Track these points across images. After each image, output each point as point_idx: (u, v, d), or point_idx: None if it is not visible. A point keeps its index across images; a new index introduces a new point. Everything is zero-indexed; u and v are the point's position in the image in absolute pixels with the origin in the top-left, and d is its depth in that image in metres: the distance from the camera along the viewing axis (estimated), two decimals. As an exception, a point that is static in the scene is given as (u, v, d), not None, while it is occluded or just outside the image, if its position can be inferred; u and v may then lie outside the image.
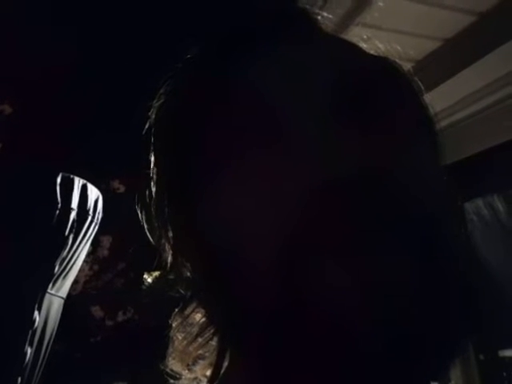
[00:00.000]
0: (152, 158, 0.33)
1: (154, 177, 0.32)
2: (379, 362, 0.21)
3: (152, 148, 0.33)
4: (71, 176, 1.70)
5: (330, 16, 0.34)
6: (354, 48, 0.31)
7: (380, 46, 0.33)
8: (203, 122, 0.27)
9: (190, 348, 0.31)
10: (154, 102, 0.33)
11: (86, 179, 1.78)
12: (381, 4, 1.25)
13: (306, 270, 0.22)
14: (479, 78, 1.41)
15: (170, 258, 0.32)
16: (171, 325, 0.32)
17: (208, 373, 0.31)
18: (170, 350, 0.32)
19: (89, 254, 2.14)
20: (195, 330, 0.31)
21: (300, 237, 0.22)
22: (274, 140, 0.25)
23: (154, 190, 0.32)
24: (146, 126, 0.33)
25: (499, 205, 1.87)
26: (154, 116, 0.33)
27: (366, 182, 0.23)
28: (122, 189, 2.42)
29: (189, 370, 0.32)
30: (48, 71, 1.85)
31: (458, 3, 1.26)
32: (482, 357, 1.80)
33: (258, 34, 0.29)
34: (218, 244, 0.25)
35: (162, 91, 0.33)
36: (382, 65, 0.30)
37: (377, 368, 0.21)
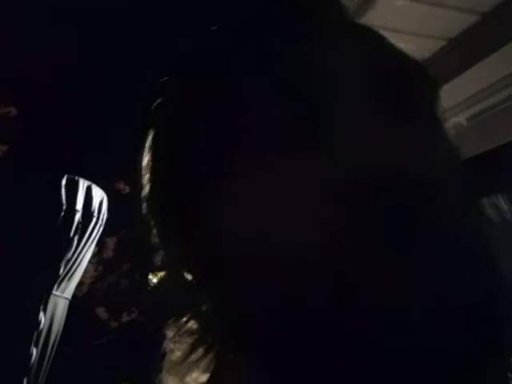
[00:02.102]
0: (150, 160, 0.31)
1: (153, 180, 0.31)
2: (399, 370, 0.21)
3: (153, 149, 0.31)
4: (76, 178, 1.71)
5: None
6: (387, 42, 0.29)
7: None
8: (211, 119, 0.26)
9: (187, 361, 0.30)
10: (153, 99, 0.31)
11: (91, 181, 1.79)
12: (384, 4, 1.25)
13: (325, 276, 0.21)
14: (483, 77, 1.41)
15: (166, 264, 0.31)
16: (165, 336, 0.31)
17: (201, 379, 0.30)
18: (165, 363, 0.31)
19: (94, 255, 2.15)
20: (190, 341, 0.30)
21: (320, 242, 0.22)
22: (302, 139, 0.23)
23: (151, 194, 0.31)
24: (145, 125, 0.32)
25: (504, 204, 1.86)
26: (153, 115, 0.31)
27: (395, 187, 0.22)
28: (127, 190, 2.42)
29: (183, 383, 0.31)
30: (53, 74, 1.86)
31: (461, 3, 1.26)
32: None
33: (285, 25, 0.27)
34: (226, 249, 0.24)
35: (161, 88, 0.31)
36: (412, 60, 0.28)
37: (396, 376, 0.21)
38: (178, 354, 0.30)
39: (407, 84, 0.26)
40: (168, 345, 0.31)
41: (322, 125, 0.23)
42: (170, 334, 0.31)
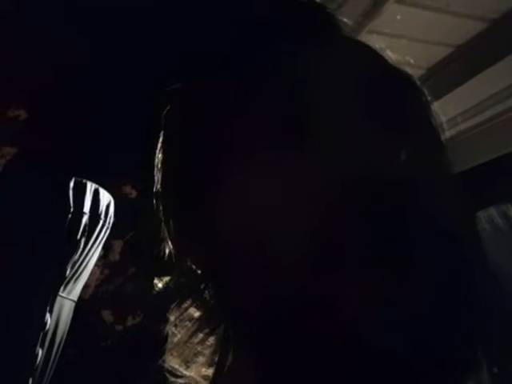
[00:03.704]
0: (162, 155, 0.32)
1: (164, 175, 0.32)
2: (387, 370, 0.21)
3: (165, 144, 0.32)
4: (84, 181, 1.72)
5: (347, 21, 0.33)
6: (378, 56, 0.31)
7: (391, 55, 0.32)
8: (222, 119, 0.27)
9: (189, 344, 0.31)
10: (169, 102, 0.32)
11: (98, 184, 1.80)
12: (391, 12, 1.25)
13: (324, 272, 0.22)
14: (491, 84, 1.40)
15: (173, 255, 0.32)
16: (168, 319, 0.32)
17: (204, 372, 0.31)
18: (169, 345, 0.32)
19: (100, 258, 2.15)
20: (193, 324, 0.31)
21: (321, 237, 0.22)
22: (295, 142, 0.25)
23: (164, 188, 0.32)
24: (160, 122, 0.33)
25: (513, 213, 1.84)
26: (169, 111, 0.32)
27: (388, 189, 0.23)
28: (133, 194, 2.43)
29: (187, 366, 0.32)
30: (63, 78, 1.87)
31: (470, 10, 1.26)
32: (495, 370, 1.76)
33: (284, 35, 0.28)
34: (230, 242, 0.25)
35: (171, 92, 0.32)
36: (404, 74, 0.30)
37: (386, 377, 0.21)
38: (179, 336, 0.32)
39: (395, 94, 0.28)
40: (170, 328, 0.32)
41: (315, 130, 0.25)
42: (172, 318, 0.32)
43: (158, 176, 0.32)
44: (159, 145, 0.33)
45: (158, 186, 0.32)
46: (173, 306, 0.31)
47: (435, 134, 0.29)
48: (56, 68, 1.87)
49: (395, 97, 0.27)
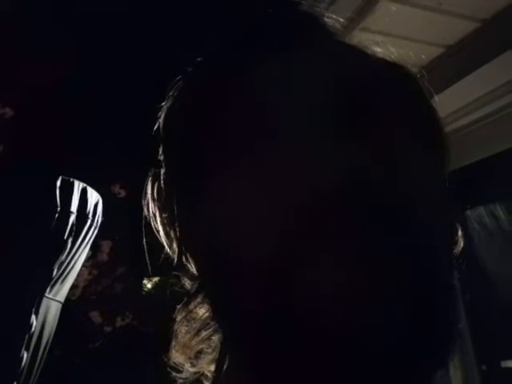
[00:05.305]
0: (161, 156, 0.33)
1: (164, 175, 0.33)
2: (374, 363, 0.21)
3: (162, 146, 0.33)
4: (71, 179, 1.70)
5: (336, 20, 0.34)
6: (361, 54, 0.31)
7: (392, 50, 0.33)
8: (210, 123, 0.28)
9: (193, 342, 0.32)
10: (165, 102, 0.33)
11: (86, 183, 1.78)
12: (384, 10, 1.25)
13: (302, 271, 0.22)
14: (482, 84, 1.41)
15: (175, 254, 0.33)
16: (175, 318, 0.33)
17: (213, 368, 0.31)
18: (174, 343, 0.33)
19: (88, 259, 2.14)
20: (198, 324, 0.32)
21: (295, 239, 0.23)
22: (274, 144, 0.25)
23: (163, 187, 0.33)
24: (156, 124, 0.34)
25: (501, 213, 1.86)
26: (164, 114, 0.33)
27: (361, 188, 0.23)
28: (122, 193, 2.42)
29: (191, 363, 0.33)
30: (50, 75, 1.85)
31: (462, 9, 1.26)
32: (484, 367, 1.78)
33: (265, 40, 0.29)
34: (218, 243, 0.26)
35: (172, 92, 0.33)
36: (389, 71, 0.30)
37: (372, 370, 0.21)
38: (184, 335, 0.32)
39: (381, 95, 0.28)
40: (176, 327, 0.33)
41: (297, 131, 0.25)
42: (178, 317, 0.33)
43: (161, 175, 0.33)
44: (159, 145, 0.33)
45: (161, 185, 0.33)
46: (179, 306, 0.32)
47: (428, 129, 0.29)
48: (46, 66, 1.85)
49: (381, 98, 0.27)
